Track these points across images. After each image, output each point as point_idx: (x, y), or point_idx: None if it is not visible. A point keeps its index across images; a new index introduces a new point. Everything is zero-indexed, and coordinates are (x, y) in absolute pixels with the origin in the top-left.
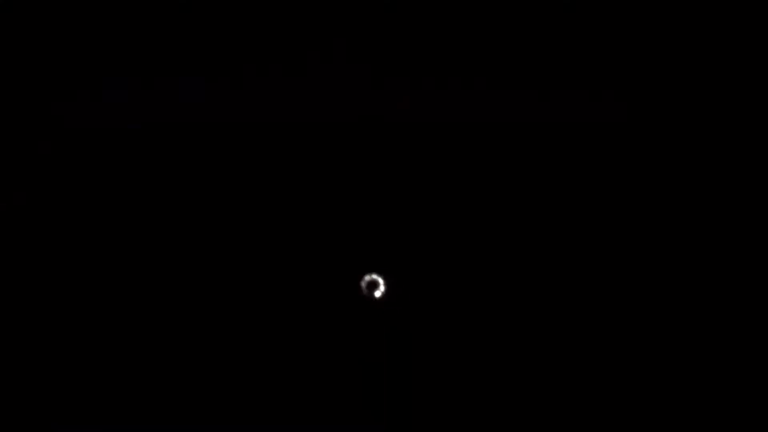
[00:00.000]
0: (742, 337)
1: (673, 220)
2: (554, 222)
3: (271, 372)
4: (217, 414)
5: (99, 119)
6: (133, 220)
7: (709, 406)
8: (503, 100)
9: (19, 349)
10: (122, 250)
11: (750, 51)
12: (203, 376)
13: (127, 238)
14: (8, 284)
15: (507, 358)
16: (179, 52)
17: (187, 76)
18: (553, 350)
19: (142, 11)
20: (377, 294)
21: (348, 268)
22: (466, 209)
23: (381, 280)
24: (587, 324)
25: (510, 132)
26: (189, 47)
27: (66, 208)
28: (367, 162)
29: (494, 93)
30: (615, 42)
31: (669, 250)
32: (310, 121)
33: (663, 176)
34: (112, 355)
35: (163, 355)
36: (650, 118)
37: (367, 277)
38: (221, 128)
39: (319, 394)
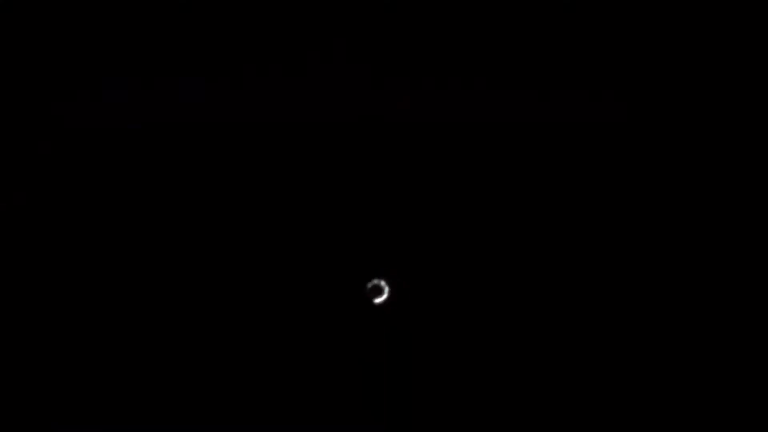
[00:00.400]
0: (741, 337)
1: (673, 219)
2: (554, 222)
3: (271, 372)
4: (217, 414)
5: (99, 119)
6: (134, 220)
7: (708, 405)
8: (503, 100)
9: (19, 349)
10: (122, 251)
11: (750, 51)
12: (204, 377)
13: (128, 239)
14: (8, 284)
15: (505, 359)
16: (179, 52)
17: (187, 76)
18: (551, 351)
19: (142, 11)
20: (380, 299)
21: (348, 266)
22: (467, 209)
23: (385, 285)
24: (587, 323)
25: (510, 132)
26: (189, 47)
27: (66, 208)
28: (367, 162)
29: (494, 93)
30: (615, 42)
31: (669, 248)
32: (310, 121)
33: (663, 176)
34: (112, 355)
35: (163, 356)
36: (650, 118)
37: (371, 283)
38: (221, 128)
39: (320, 395)
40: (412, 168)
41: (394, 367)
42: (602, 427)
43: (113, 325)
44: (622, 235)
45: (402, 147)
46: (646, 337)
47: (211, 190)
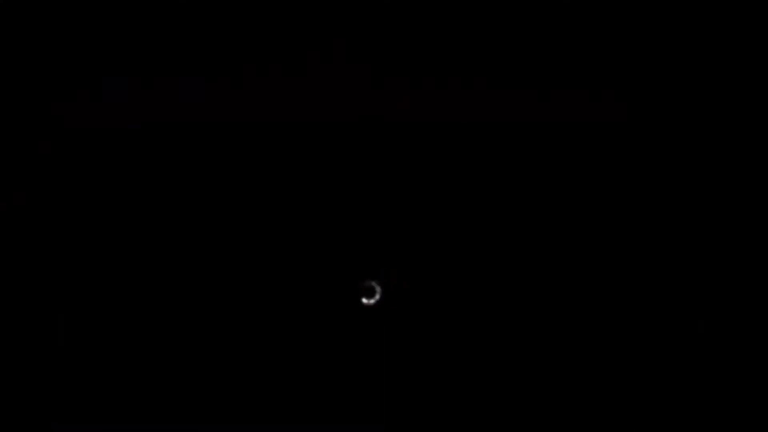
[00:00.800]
0: (740, 338)
1: (673, 219)
2: (554, 223)
3: (271, 372)
4: (217, 414)
5: (99, 119)
6: (133, 220)
7: (708, 406)
8: (503, 100)
9: (19, 349)
10: (122, 251)
11: (750, 51)
12: (204, 377)
13: (127, 239)
14: (8, 284)
15: (504, 359)
16: (179, 52)
17: (187, 76)
18: (549, 350)
19: (142, 11)
20: (374, 299)
21: (346, 266)
22: (467, 209)
23: (377, 287)
24: (585, 323)
25: (510, 132)
26: (189, 47)
27: (66, 208)
28: (367, 162)
29: (494, 93)
30: (615, 42)
31: (668, 249)
32: (310, 121)
33: (662, 176)
34: (112, 356)
35: (163, 356)
36: (650, 118)
37: (365, 283)
38: (221, 128)
39: (320, 395)
40: (412, 168)
41: (394, 367)
42: (602, 426)
43: (113, 325)
44: (622, 235)
45: (402, 147)
46: (645, 337)
47: (211, 190)
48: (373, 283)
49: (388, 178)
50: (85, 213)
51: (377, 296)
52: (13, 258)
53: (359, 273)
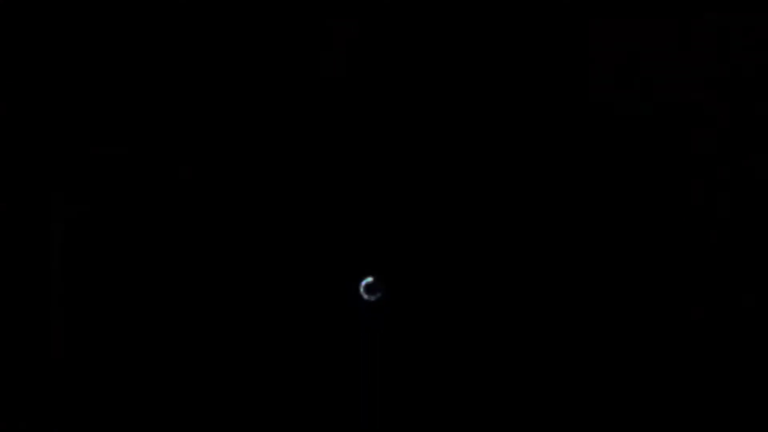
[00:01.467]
0: (740, 339)
1: (672, 220)
2: (555, 225)
3: (265, 375)
4: (209, 415)
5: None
6: (130, 219)
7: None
8: (503, 96)
9: (19, 350)
10: (120, 251)
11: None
12: (190, 379)
13: (124, 239)
14: (8, 284)
15: (503, 363)
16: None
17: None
18: (549, 355)
19: (141, 11)
20: (375, 297)
21: (345, 263)
22: (466, 207)
23: (379, 283)
24: (587, 333)
25: (509, 132)
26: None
27: (65, 208)
28: (364, 156)
29: (493, 90)
30: None
31: (667, 250)
32: (310, 117)
33: (662, 175)
34: (109, 357)
35: (154, 356)
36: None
37: (366, 280)
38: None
39: (312, 398)
40: (409, 163)
41: (386, 367)
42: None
43: (110, 326)
44: (622, 242)
45: (399, 143)
46: (643, 345)
47: (209, 188)
48: (375, 280)
49: (384, 173)
50: (83, 212)
51: (379, 293)
52: (14, 258)
53: (352, 271)
